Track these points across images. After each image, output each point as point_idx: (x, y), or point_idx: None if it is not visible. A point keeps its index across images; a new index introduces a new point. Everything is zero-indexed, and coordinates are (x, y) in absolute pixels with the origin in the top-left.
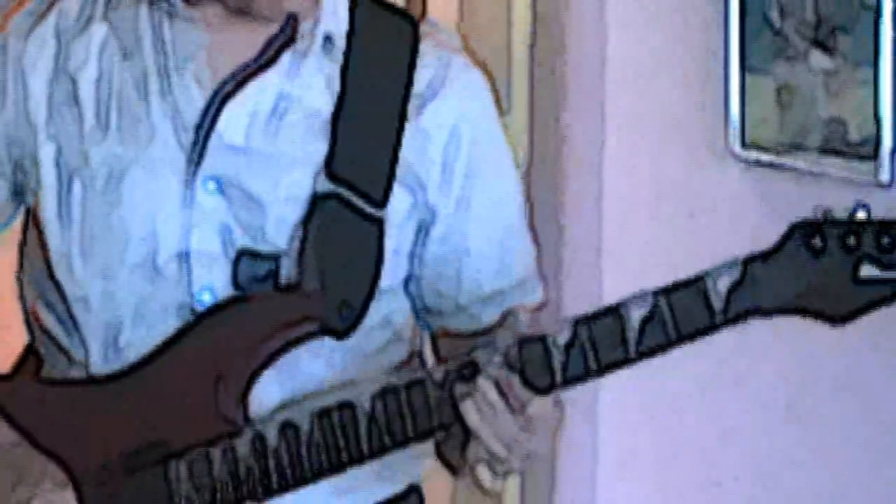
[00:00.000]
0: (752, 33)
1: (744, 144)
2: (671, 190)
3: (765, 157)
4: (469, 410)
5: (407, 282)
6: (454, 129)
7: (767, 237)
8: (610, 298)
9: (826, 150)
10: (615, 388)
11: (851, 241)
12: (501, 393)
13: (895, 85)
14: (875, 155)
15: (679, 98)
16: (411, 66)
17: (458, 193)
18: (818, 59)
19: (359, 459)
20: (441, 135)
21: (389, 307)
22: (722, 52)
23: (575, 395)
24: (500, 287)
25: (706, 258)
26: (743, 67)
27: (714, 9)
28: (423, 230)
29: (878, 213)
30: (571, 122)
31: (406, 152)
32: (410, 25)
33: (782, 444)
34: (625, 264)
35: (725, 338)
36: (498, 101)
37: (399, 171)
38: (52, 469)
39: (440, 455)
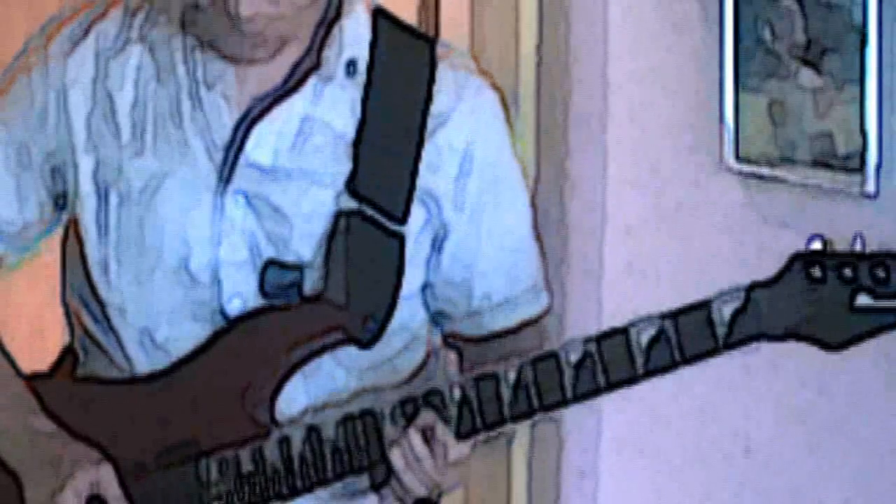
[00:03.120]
0: (745, 53)
1: (738, 158)
2: (670, 201)
3: (758, 170)
4: (396, 457)
5: (423, 288)
6: (468, 147)
7: (761, 245)
8: (612, 308)
9: (815, 163)
10: (616, 396)
11: (848, 272)
12: (427, 441)
13: (880, 102)
14: (861, 167)
15: (677, 114)
16: (429, 88)
17: (471, 208)
18: (808, 77)
19: (378, 463)
20: (456, 153)
21: (407, 313)
22: (717, 71)
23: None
24: (508, 296)
25: (704, 265)
26: (737, 85)
27: (710, 31)
28: (436, 242)
29: (865, 222)
30: (575, 138)
31: (423, 170)
32: (428, 48)
33: (780, 447)
34: (626, 273)
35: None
36: (509, 119)
37: (417, 188)
38: (91, 452)
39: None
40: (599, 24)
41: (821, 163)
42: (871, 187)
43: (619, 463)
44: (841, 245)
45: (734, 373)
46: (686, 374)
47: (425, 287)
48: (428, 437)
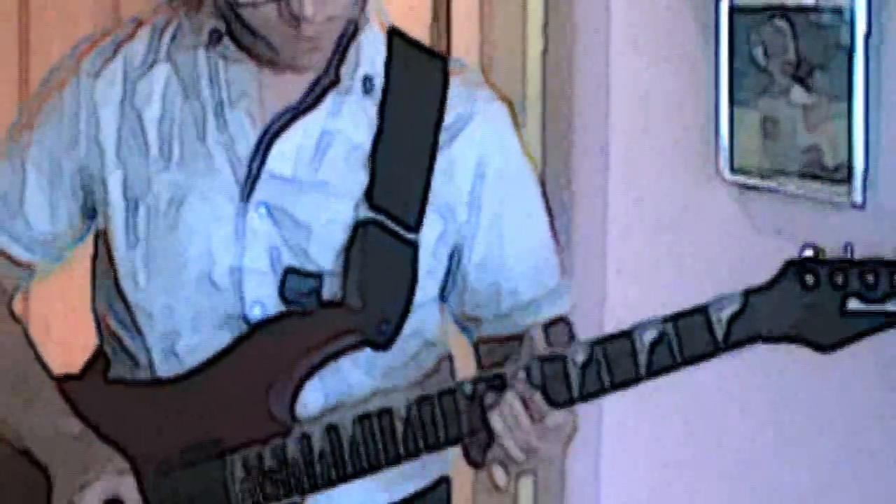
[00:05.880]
0: (739, 71)
1: (732, 170)
2: (668, 210)
3: (751, 181)
4: (495, 419)
5: (443, 296)
6: (480, 157)
7: (754, 251)
8: (614, 309)
9: (805, 174)
10: (617, 401)
11: (839, 278)
12: (525, 406)
13: (866, 117)
14: (848, 179)
15: (675, 128)
16: (442, 102)
17: (490, 215)
18: (798, 94)
19: (395, 460)
20: (469, 164)
21: (422, 319)
22: (713, 88)
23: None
24: (535, 295)
25: (700, 270)
26: (732, 101)
27: (706, 50)
28: (458, 251)
29: (853, 230)
30: (579, 149)
31: (437, 181)
32: (441, 64)
33: (773, 446)
34: (627, 277)
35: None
36: (518, 129)
37: (431, 198)
38: (116, 457)
39: (466, 455)
40: (602, 40)
41: (810, 174)
42: (858, 198)
43: (620, 466)
44: (830, 251)
45: (735, 378)
46: (687, 378)
47: (450, 294)
48: (526, 402)
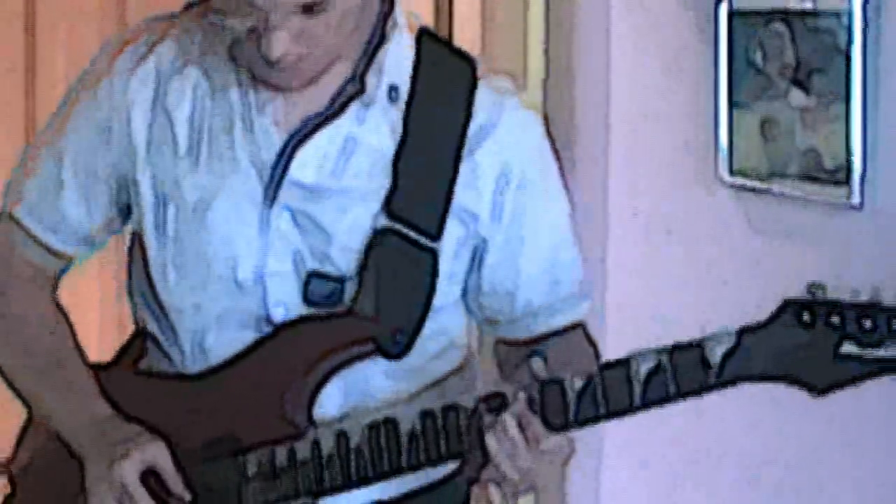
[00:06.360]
0: (738, 74)
1: (732, 172)
2: (668, 212)
3: (750, 183)
4: (491, 440)
5: (465, 296)
6: (504, 165)
7: (752, 252)
8: (614, 310)
9: (804, 176)
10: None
11: (836, 320)
12: (521, 428)
13: (864, 119)
14: (847, 181)
15: (675, 131)
16: (469, 108)
17: (509, 222)
18: (797, 96)
19: (398, 471)
20: (492, 171)
21: (444, 321)
22: (712, 91)
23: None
24: (548, 302)
25: (699, 271)
26: (731, 104)
27: (705, 53)
28: (477, 254)
29: (852, 232)
30: (579, 151)
31: (460, 188)
32: (470, 69)
33: (776, 460)
34: (627, 279)
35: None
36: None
37: (454, 205)
38: (144, 431)
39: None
40: (603, 43)
41: (809, 176)
42: (856, 199)
43: (620, 472)
44: (829, 252)
45: (738, 393)
46: None
47: (469, 294)
48: (522, 425)
